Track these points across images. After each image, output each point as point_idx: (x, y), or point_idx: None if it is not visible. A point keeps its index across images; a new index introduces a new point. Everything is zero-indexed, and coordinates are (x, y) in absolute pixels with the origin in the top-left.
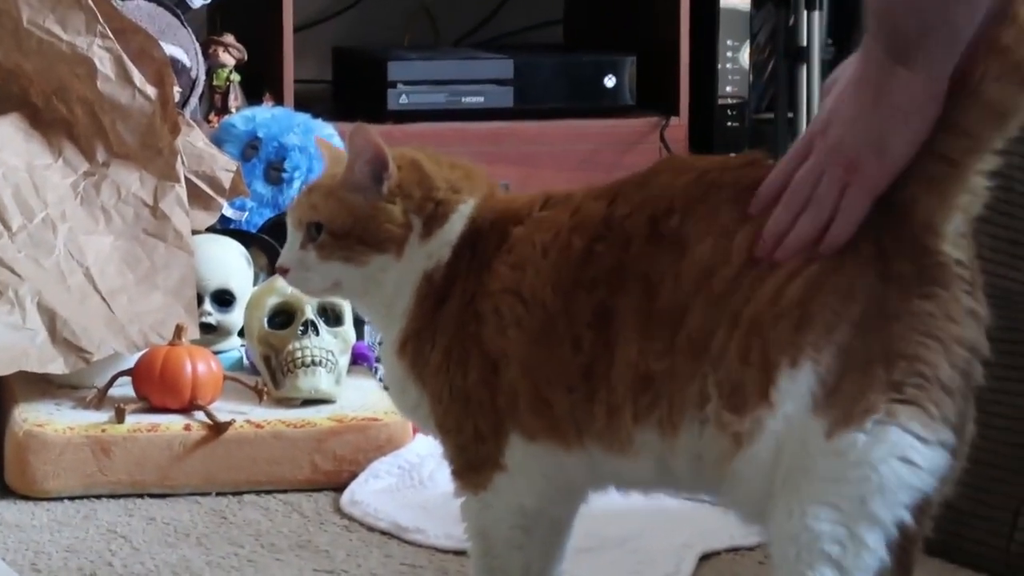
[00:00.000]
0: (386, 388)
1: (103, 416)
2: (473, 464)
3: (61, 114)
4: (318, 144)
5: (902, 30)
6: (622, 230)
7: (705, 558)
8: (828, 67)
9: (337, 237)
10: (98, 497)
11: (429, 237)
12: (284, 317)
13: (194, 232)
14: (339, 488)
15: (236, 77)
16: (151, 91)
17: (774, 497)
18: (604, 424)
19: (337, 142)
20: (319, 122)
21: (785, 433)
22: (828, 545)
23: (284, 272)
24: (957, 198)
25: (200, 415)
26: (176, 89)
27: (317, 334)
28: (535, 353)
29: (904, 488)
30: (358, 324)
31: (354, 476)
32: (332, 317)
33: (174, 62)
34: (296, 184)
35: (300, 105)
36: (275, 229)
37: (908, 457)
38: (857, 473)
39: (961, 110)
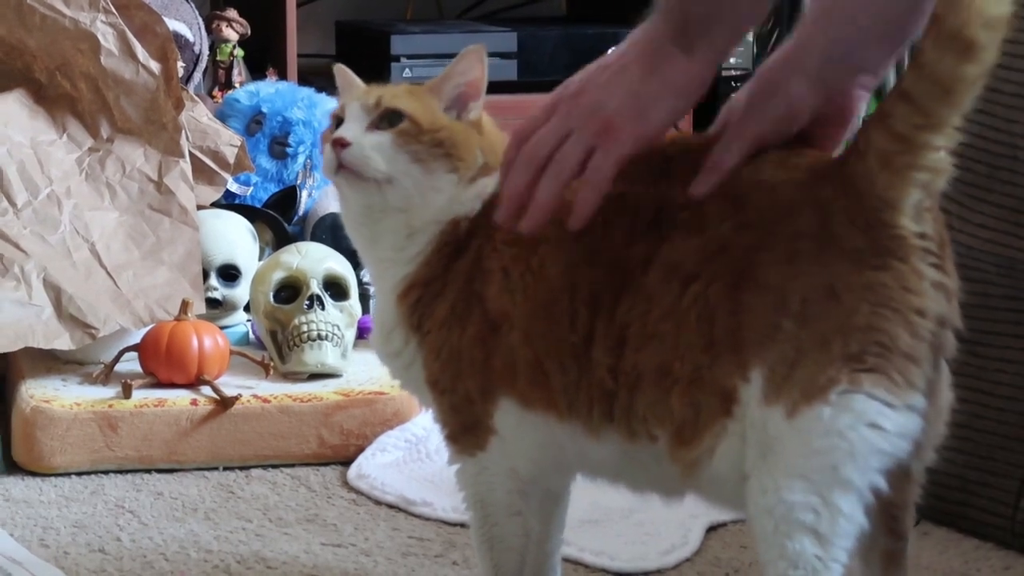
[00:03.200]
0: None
1: (110, 392)
2: (467, 425)
3: (65, 90)
4: (336, 71)
5: (692, 17)
6: (635, 211)
7: (712, 529)
8: None
9: (421, 130)
10: (105, 472)
11: (473, 184)
12: (290, 292)
13: (199, 207)
14: (346, 462)
15: (239, 52)
16: (155, 66)
17: (747, 479)
18: (585, 408)
19: None
20: (323, 96)
21: (746, 428)
22: (803, 514)
23: (343, 145)
24: (912, 174)
25: (207, 390)
26: (180, 64)
27: (323, 308)
28: (539, 322)
29: (875, 453)
30: (363, 298)
31: (361, 450)
32: (338, 291)
33: (177, 37)
34: (300, 159)
35: (304, 80)
36: (280, 203)
37: (876, 422)
38: (826, 443)
39: (911, 83)
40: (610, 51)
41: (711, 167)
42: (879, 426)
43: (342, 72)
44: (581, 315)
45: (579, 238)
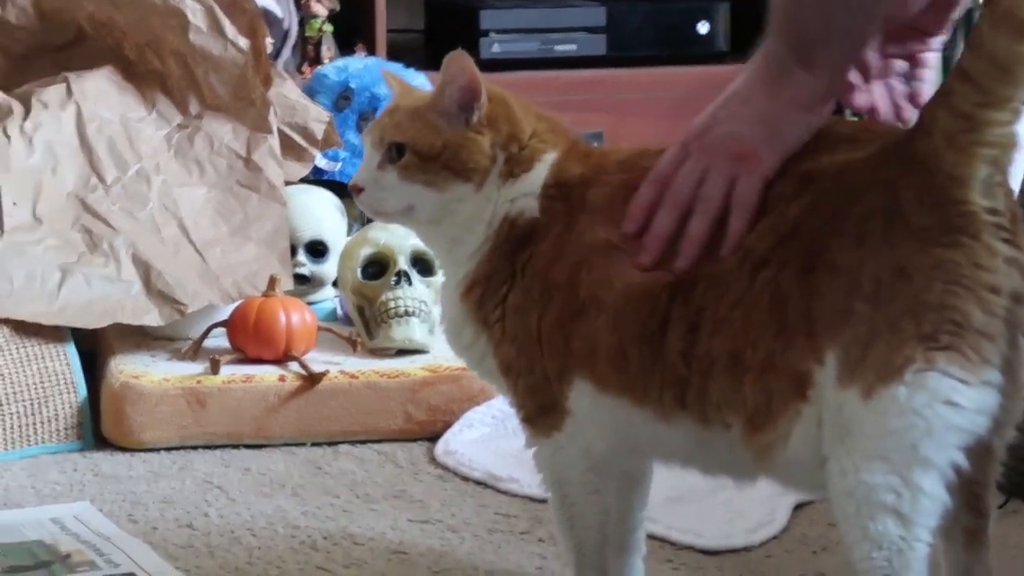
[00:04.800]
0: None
1: (198, 367)
2: (543, 407)
3: (154, 66)
4: (385, 75)
5: (808, 34)
6: None
7: (799, 507)
8: None
9: (422, 159)
10: (194, 448)
11: (513, 179)
12: (377, 267)
13: (287, 183)
14: (433, 438)
15: (328, 28)
16: (243, 42)
17: (827, 462)
18: (657, 393)
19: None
20: (411, 72)
21: (821, 411)
22: (885, 495)
23: (358, 191)
24: (979, 150)
25: (294, 366)
26: (268, 40)
27: (410, 284)
28: (628, 307)
29: (952, 430)
30: None
31: (448, 426)
32: (425, 267)
33: (266, 13)
34: None
35: (392, 55)
36: None
37: (952, 400)
38: (903, 422)
39: (970, 62)
40: (729, 88)
41: None
42: (955, 403)
43: (389, 78)
44: (661, 300)
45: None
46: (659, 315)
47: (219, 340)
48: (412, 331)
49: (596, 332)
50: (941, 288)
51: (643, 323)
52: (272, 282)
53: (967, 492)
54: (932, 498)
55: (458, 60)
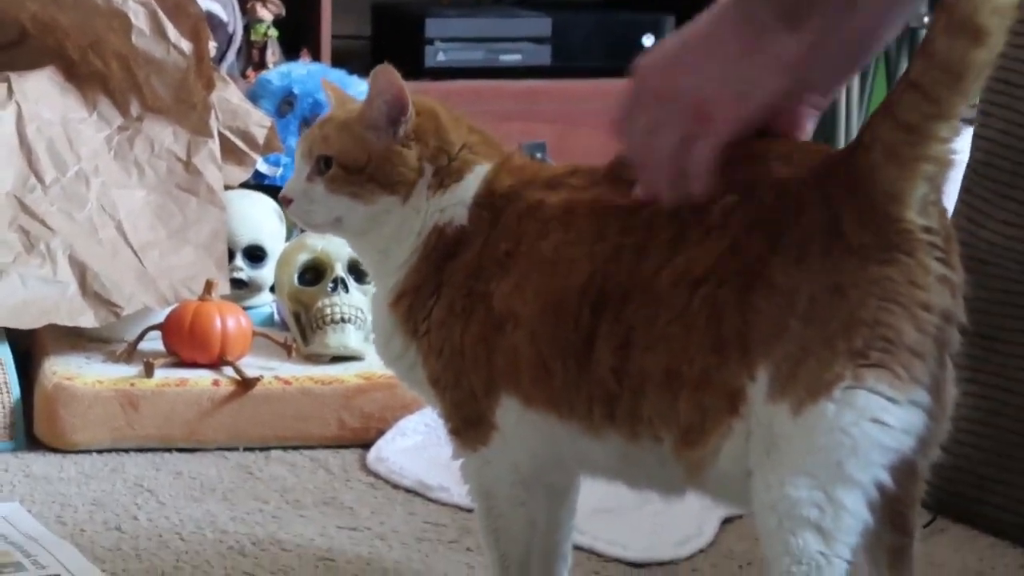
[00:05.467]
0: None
1: (132, 370)
2: (470, 420)
3: (96, 68)
4: (324, 86)
5: None
6: (640, 218)
7: (727, 521)
8: None
9: (348, 172)
10: (126, 451)
11: (443, 191)
12: (314, 274)
13: (229, 187)
14: (366, 445)
15: (274, 32)
16: (186, 46)
17: (752, 475)
18: (585, 408)
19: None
20: (354, 79)
21: (751, 426)
22: (807, 510)
23: (287, 203)
24: (919, 166)
25: (229, 370)
26: (212, 44)
27: (347, 291)
28: (546, 321)
29: (878, 448)
30: None
31: (381, 433)
32: (362, 274)
33: (211, 17)
34: None
35: (338, 61)
36: None
37: (879, 418)
38: (830, 439)
39: (919, 71)
40: (688, 26)
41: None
42: (882, 421)
43: (327, 87)
44: (584, 315)
45: (592, 238)
46: (583, 330)
47: (154, 343)
48: (347, 338)
49: (516, 346)
50: (876, 305)
51: (565, 337)
52: (208, 286)
53: (891, 510)
54: (854, 515)
55: (384, 73)
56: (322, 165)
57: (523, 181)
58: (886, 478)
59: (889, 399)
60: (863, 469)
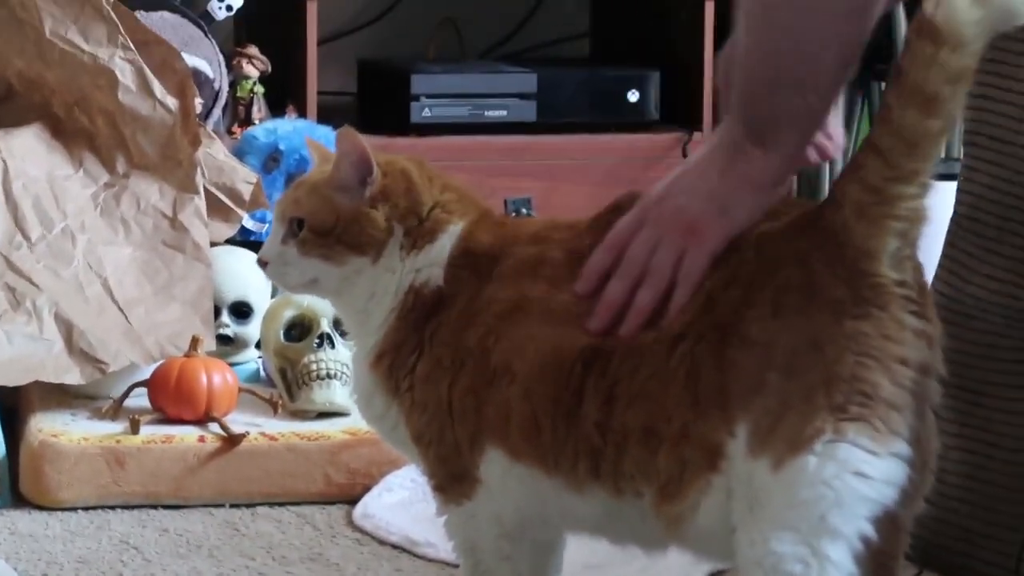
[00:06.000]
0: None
1: (118, 427)
2: (454, 475)
3: (82, 125)
4: (308, 145)
5: (761, 113)
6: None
7: (714, 575)
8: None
9: (318, 234)
10: (112, 508)
11: (416, 251)
12: (300, 330)
13: (215, 244)
14: (352, 501)
15: (260, 89)
16: (172, 103)
17: (735, 531)
18: (570, 463)
19: None
20: None
21: (732, 482)
22: (792, 565)
23: (264, 265)
24: (888, 223)
25: (215, 427)
26: (198, 101)
27: (333, 347)
28: (543, 379)
29: (861, 500)
30: None
31: (367, 489)
32: None
33: (197, 74)
34: None
35: (324, 117)
36: None
37: (861, 470)
38: (813, 493)
39: (878, 135)
40: (690, 157)
41: None
42: (864, 474)
43: (311, 146)
44: (575, 371)
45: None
46: (574, 386)
47: (140, 400)
48: (333, 393)
49: (509, 401)
50: (852, 360)
51: (557, 394)
52: (194, 342)
53: (876, 563)
54: (840, 569)
55: (347, 136)
56: (295, 227)
57: (505, 237)
58: (870, 531)
59: (870, 452)
60: (847, 522)
